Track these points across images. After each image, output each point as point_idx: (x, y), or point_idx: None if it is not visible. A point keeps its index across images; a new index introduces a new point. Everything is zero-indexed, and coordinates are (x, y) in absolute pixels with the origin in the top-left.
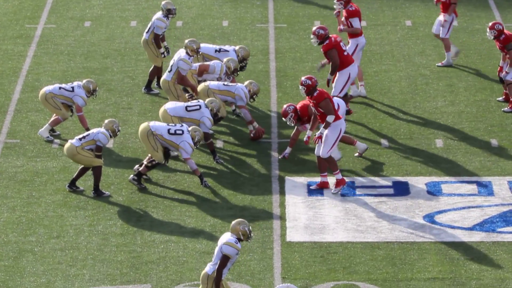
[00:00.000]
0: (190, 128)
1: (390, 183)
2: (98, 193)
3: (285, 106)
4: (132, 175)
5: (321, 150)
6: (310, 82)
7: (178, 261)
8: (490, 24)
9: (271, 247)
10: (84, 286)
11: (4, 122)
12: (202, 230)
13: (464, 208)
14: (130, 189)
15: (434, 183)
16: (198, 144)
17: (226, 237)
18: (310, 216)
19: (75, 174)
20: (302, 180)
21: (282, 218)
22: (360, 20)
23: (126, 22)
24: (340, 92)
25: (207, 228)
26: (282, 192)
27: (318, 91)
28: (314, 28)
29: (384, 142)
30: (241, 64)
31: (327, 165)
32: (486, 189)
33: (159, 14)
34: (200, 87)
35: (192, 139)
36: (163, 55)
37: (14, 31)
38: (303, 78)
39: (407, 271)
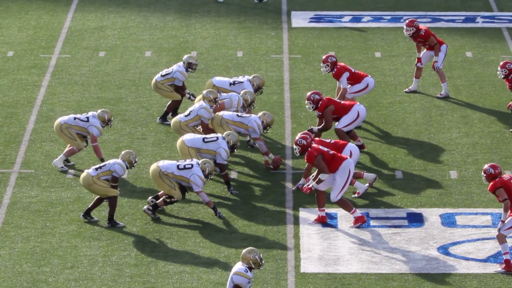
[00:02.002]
0: (200, 161)
1: (404, 215)
2: (112, 224)
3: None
4: (146, 206)
5: (331, 195)
6: (305, 142)
7: None
8: (501, 63)
9: (285, 278)
10: None
11: (19, 152)
12: (217, 261)
13: (478, 239)
14: (145, 219)
15: (449, 214)
16: (210, 176)
17: (237, 266)
18: (324, 247)
19: (91, 204)
20: (316, 211)
21: (296, 249)
22: (349, 72)
23: (141, 52)
24: (344, 127)
25: (221, 259)
26: (296, 223)
27: (310, 149)
28: (308, 94)
29: (398, 173)
30: (257, 93)
31: (325, 200)
32: (500, 221)
33: (180, 65)
34: (214, 117)
35: (203, 171)
36: (190, 99)
37: (29, 61)
38: (299, 136)
39: None
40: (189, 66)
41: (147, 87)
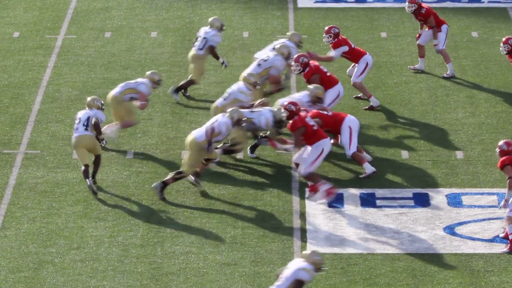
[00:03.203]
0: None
1: (410, 195)
2: (94, 181)
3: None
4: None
5: (300, 169)
6: (294, 109)
7: (198, 273)
8: (504, 38)
9: (291, 259)
10: None
11: (25, 133)
12: (223, 242)
13: (484, 219)
14: (151, 200)
15: (455, 194)
16: (283, 125)
17: (299, 263)
18: (330, 227)
19: (93, 168)
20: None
21: (303, 229)
22: (349, 47)
23: (147, 33)
24: (329, 105)
25: (227, 240)
26: (302, 204)
27: (297, 118)
28: (297, 56)
29: (404, 153)
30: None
31: (317, 176)
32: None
33: (209, 29)
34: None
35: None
36: (224, 65)
37: (35, 41)
38: (288, 102)
39: (427, 282)
40: (222, 26)
41: (153, 67)
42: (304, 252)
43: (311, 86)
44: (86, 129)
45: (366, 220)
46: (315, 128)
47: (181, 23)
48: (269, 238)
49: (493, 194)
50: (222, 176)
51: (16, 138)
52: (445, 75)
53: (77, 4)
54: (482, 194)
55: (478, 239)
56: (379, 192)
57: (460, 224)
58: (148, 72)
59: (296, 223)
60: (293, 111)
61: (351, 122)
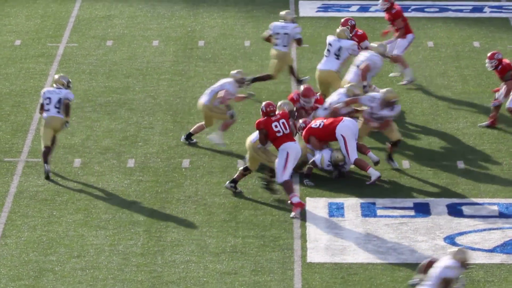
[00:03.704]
0: None
1: (411, 205)
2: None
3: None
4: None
5: (276, 177)
6: (264, 110)
7: (198, 282)
8: (489, 54)
9: (291, 268)
10: None
11: (26, 141)
12: (223, 250)
13: (485, 230)
14: (151, 209)
15: (455, 204)
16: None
17: (446, 261)
18: (331, 237)
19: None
20: (323, 201)
21: (303, 238)
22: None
23: (148, 41)
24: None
25: (228, 249)
26: (303, 213)
27: (263, 120)
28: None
29: (405, 163)
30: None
31: (291, 186)
32: (507, 210)
33: (286, 24)
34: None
35: None
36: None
37: (36, 49)
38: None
39: None
40: (295, 19)
41: (155, 76)
42: (450, 250)
43: (383, 90)
44: (58, 112)
45: (366, 230)
46: (279, 134)
47: (182, 32)
48: (269, 247)
49: (494, 204)
50: (223, 185)
51: (17, 146)
52: (403, 82)
53: (79, 13)
54: (482, 204)
55: (479, 249)
56: (379, 201)
57: (461, 234)
58: (232, 72)
59: (297, 232)
60: (263, 111)
61: (342, 129)
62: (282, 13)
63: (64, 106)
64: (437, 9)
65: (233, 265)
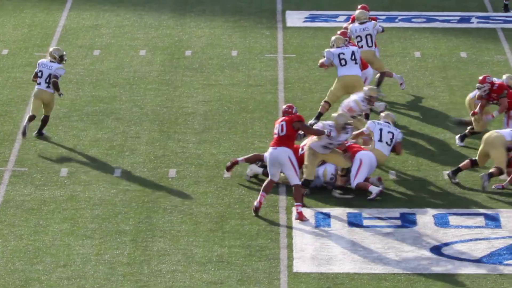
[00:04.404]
0: None
1: (397, 215)
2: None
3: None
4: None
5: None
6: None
7: None
8: (480, 78)
9: (278, 278)
10: None
11: (12, 150)
12: (210, 260)
13: (471, 240)
14: (138, 218)
15: (442, 215)
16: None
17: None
18: (317, 247)
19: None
20: (310, 211)
21: (289, 248)
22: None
23: (135, 51)
24: None
25: (214, 258)
26: (289, 223)
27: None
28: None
29: (392, 173)
30: None
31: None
32: (493, 221)
33: (360, 25)
34: None
35: None
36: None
37: (23, 59)
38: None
39: None
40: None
41: (141, 85)
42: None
43: (365, 88)
44: (47, 86)
45: (353, 240)
46: (275, 135)
47: (170, 42)
48: (255, 257)
49: (480, 214)
50: (209, 194)
51: (3, 155)
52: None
53: (66, 22)
54: (469, 214)
55: (465, 260)
56: (366, 211)
57: (447, 244)
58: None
59: (283, 242)
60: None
61: (364, 156)
62: (356, 13)
63: (53, 84)
64: (424, 20)
65: (219, 274)
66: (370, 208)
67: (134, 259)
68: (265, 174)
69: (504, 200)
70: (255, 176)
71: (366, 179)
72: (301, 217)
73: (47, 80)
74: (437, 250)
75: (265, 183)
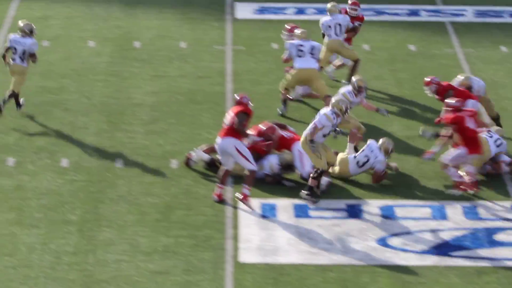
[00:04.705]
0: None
1: (344, 206)
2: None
3: None
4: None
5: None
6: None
7: (130, 281)
8: (426, 80)
9: (223, 268)
10: None
11: None
12: (155, 250)
13: (417, 232)
14: (84, 208)
15: (388, 206)
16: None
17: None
18: (263, 237)
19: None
20: (256, 201)
21: (235, 239)
22: None
23: (84, 42)
24: None
25: (160, 248)
26: (235, 213)
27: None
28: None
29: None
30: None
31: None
32: (439, 213)
33: (333, 16)
34: None
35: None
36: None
37: None
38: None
39: None
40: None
41: (90, 76)
42: None
43: (353, 78)
44: (22, 61)
45: (299, 231)
46: (223, 125)
47: (118, 33)
48: (201, 247)
49: (426, 206)
50: (156, 185)
51: None
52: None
53: (15, 13)
54: (415, 206)
55: (411, 251)
56: None
57: (393, 236)
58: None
59: (229, 232)
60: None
61: (300, 146)
62: (329, 5)
63: (30, 57)
64: (373, 13)
65: (165, 264)
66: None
67: (80, 249)
68: (210, 163)
69: (450, 192)
70: (209, 164)
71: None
72: (245, 199)
73: (22, 56)
74: (383, 241)
75: (219, 173)
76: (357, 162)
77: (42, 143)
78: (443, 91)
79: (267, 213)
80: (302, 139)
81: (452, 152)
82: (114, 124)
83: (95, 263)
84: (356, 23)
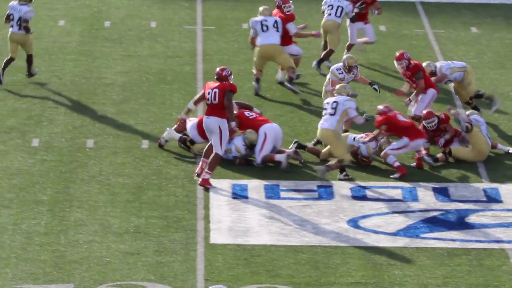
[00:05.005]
0: None
1: (315, 187)
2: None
3: None
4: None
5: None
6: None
7: (101, 261)
8: (397, 54)
9: (194, 249)
10: (6, 285)
11: None
12: (126, 231)
13: (388, 213)
14: (55, 188)
15: (359, 188)
16: None
17: None
18: (234, 218)
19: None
20: (227, 182)
21: (206, 219)
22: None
23: (54, 21)
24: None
25: (131, 229)
26: (206, 194)
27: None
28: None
29: (310, 145)
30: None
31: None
32: (410, 194)
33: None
34: None
35: None
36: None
37: None
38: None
39: (330, 275)
40: None
41: (60, 56)
42: None
43: (344, 56)
44: (19, 28)
45: (270, 212)
46: (208, 102)
47: (89, 12)
48: (172, 228)
49: (397, 188)
50: (127, 165)
51: None
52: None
53: None
54: (386, 187)
55: (382, 233)
56: (283, 184)
57: (364, 217)
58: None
59: (200, 213)
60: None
61: (268, 129)
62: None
63: (24, 28)
64: None
65: (136, 245)
66: (287, 180)
67: (51, 229)
68: (181, 141)
69: (421, 173)
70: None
71: (281, 152)
72: (203, 183)
73: (18, 23)
74: (354, 222)
75: (205, 148)
76: (329, 114)
77: (13, 123)
78: (415, 69)
79: (238, 194)
80: (329, 131)
81: (395, 144)
82: (85, 104)
83: (67, 243)
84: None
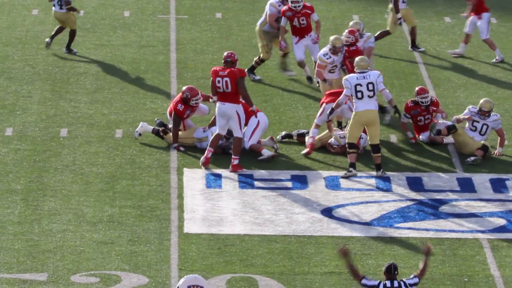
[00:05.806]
0: None
1: (288, 177)
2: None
3: None
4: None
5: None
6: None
7: (75, 251)
8: (351, 28)
9: (168, 238)
10: None
11: None
12: (100, 220)
13: (362, 203)
14: (29, 177)
15: (333, 177)
16: None
17: None
18: (208, 208)
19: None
20: (201, 171)
21: (180, 209)
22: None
23: (28, 10)
24: None
25: (105, 218)
26: (180, 184)
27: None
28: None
29: (282, 135)
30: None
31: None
32: (384, 184)
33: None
34: None
35: None
36: None
37: None
38: None
39: (303, 265)
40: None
41: (34, 45)
42: None
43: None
44: (60, 8)
45: (243, 201)
46: (219, 90)
47: None
48: (146, 217)
49: (371, 177)
50: (100, 154)
51: None
52: (494, 60)
53: None
54: (360, 177)
55: (356, 222)
56: (257, 173)
57: (338, 207)
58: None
59: (174, 203)
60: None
61: (262, 118)
62: None
63: (67, 9)
64: None
65: (109, 234)
66: (261, 169)
67: (25, 218)
68: (155, 132)
69: (394, 163)
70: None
71: (258, 141)
72: (234, 169)
73: (60, 2)
74: (328, 212)
75: (212, 137)
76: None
77: None
78: (356, 53)
79: (212, 184)
80: (376, 112)
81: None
82: (59, 93)
83: (40, 232)
84: None
